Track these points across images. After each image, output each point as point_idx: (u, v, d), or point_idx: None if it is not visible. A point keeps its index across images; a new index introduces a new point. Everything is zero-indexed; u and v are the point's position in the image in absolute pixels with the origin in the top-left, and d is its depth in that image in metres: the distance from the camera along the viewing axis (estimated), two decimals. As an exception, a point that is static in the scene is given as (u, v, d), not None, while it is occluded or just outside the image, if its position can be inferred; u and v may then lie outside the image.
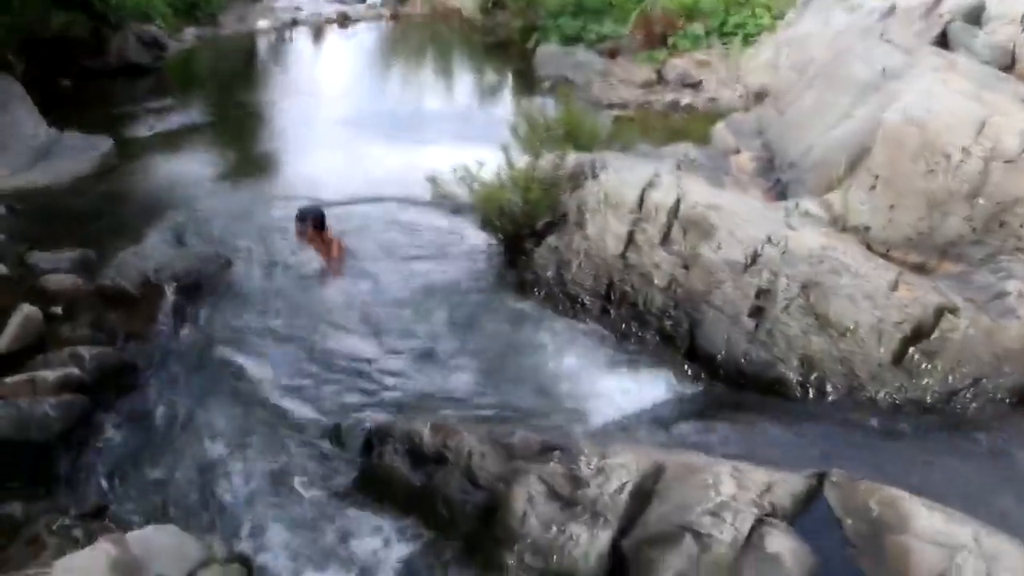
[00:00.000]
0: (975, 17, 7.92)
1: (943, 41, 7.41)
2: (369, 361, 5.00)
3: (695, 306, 5.12)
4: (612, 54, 14.82)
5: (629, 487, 3.33)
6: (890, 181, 5.81)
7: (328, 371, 4.86)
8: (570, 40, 15.75)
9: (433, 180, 6.54)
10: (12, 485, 3.90)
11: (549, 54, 14.60)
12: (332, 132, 10.68)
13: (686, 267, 5.29)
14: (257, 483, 3.83)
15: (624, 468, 3.38)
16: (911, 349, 4.48)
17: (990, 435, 4.12)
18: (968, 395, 4.35)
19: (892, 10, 8.82)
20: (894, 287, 4.66)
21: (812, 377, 4.60)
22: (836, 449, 3.93)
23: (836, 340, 4.60)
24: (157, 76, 13.66)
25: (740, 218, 5.32)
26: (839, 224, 5.94)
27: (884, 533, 2.97)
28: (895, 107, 6.03)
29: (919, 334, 4.49)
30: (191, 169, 8.91)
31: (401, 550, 3.47)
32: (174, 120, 10.91)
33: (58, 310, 5.32)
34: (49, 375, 4.36)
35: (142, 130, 10.41)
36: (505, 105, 12.79)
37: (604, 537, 3.22)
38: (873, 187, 6.00)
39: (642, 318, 5.35)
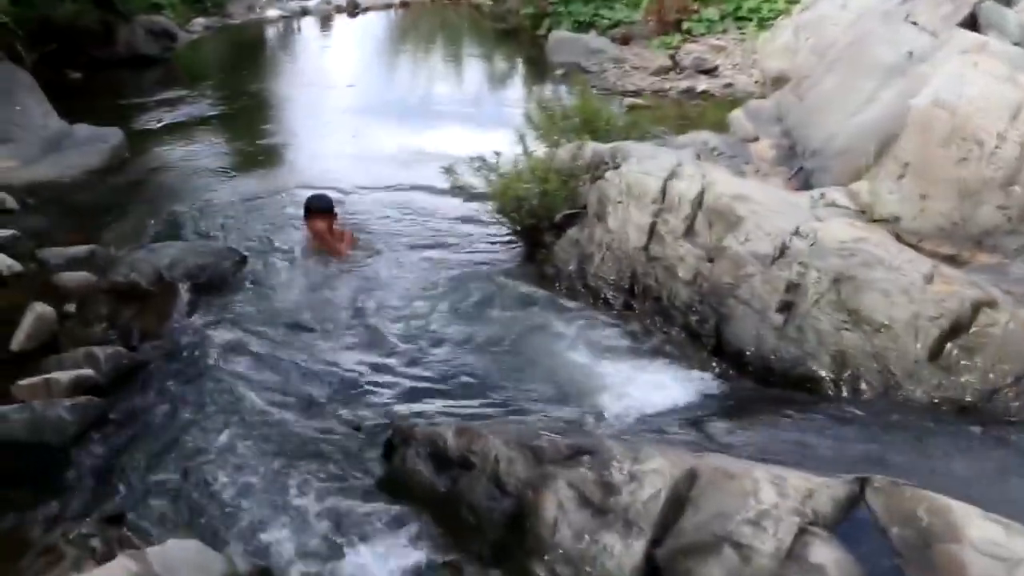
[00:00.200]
0: (1006, -3, 7.74)
1: (971, 22, 7.21)
2: (388, 358, 4.89)
3: (721, 300, 4.98)
4: (625, 40, 14.69)
5: (663, 494, 3.21)
6: (920, 169, 5.66)
7: (347, 369, 4.75)
8: (582, 26, 15.65)
9: (449, 171, 6.42)
10: (27, 490, 3.81)
11: (561, 40, 14.45)
12: (344, 121, 10.59)
13: (711, 260, 5.15)
14: (277, 489, 3.71)
15: (657, 474, 3.25)
16: (948, 345, 4.33)
17: (1035, 436, 3.99)
18: (1010, 393, 4.20)
19: (916, -9, 8.64)
20: (929, 280, 4.51)
21: (845, 375, 4.47)
22: (873, 450, 3.79)
23: (870, 336, 4.45)
24: (166, 67, 13.59)
25: (767, 209, 5.18)
26: (867, 214, 5.79)
27: (934, 543, 2.84)
28: (924, 91, 5.87)
29: (957, 329, 4.34)
30: (203, 161, 8.83)
31: (426, 560, 3.36)
32: (184, 111, 10.83)
33: (71, 308, 5.24)
34: (63, 376, 4.27)
35: (152, 122, 10.33)
36: (518, 93, 12.67)
37: (638, 547, 3.10)
38: (902, 175, 5.86)
39: (666, 313, 5.22)
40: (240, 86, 12.47)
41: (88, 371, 4.35)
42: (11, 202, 7.22)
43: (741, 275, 4.95)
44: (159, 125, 10.23)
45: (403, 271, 6.04)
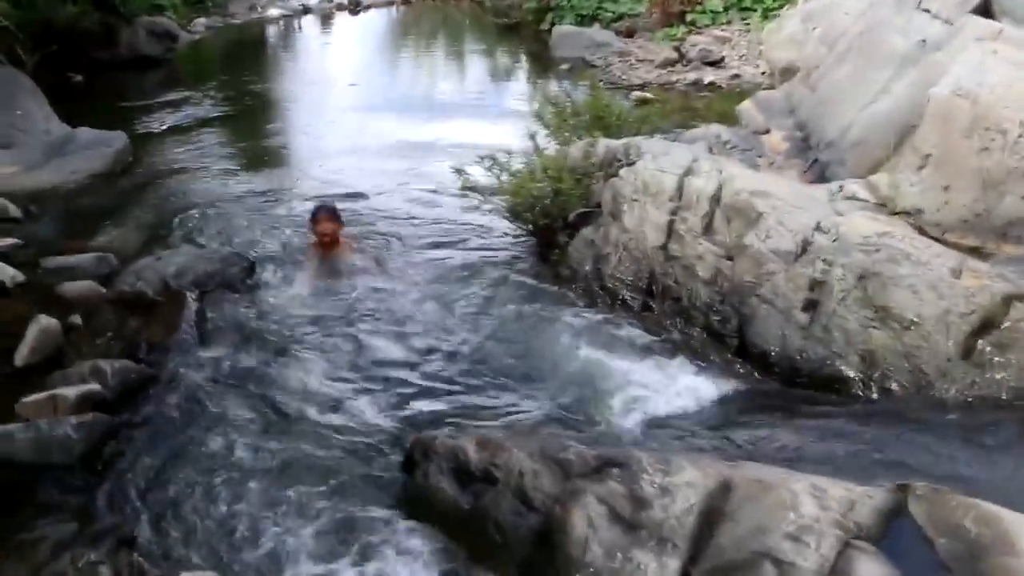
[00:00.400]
0: (1020, -18, 7.57)
1: (984, 9, 7.06)
2: (403, 367, 4.77)
3: (743, 300, 4.85)
4: (629, 33, 14.55)
5: (696, 507, 3.08)
6: (942, 160, 5.52)
7: (361, 379, 4.62)
8: (585, 20, 15.53)
9: (460, 171, 6.29)
10: (34, 513, 3.68)
11: (565, 35, 14.31)
12: (348, 120, 10.49)
13: (730, 258, 5.02)
14: (294, 510, 3.59)
15: (690, 486, 3.13)
16: (980, 342, 4.18)
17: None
18: (1047, 390, 4.07)
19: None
20: (958, 275, 4.37)
21: (874, 374, 4.33)
22: (910, 454, 3.66)
23: (899, 334, 4.32)
24: (169, 68, 13.48)
25: (787, 204, 5.04)
26: (888, 207, 5.66)
27: (985, 556, 2.71)
28: (943, 80, 5.72)
29: (988, 325, 4.20)
30: (207, 164, 8.72)
31: (452, 580, 3.24)
32: (188, 113, 10.72)
33: (77, 320, 5.11)
34: (70, 392, 4.14)
35: (156, 125, 10.22)
36: (524, 89, 12.53)
37: (673, 565, 2.97)
38: (922, 166, 5.71)
39: (687, 313, 5.09)
40: (243, 86, 12.35)
41: (95, 386, 4.23)
42: (14, 209, 7.12)
43: (763, 273, 4.81)
44: (162, 128, 10.11)
45: (413, 274, 5.92)
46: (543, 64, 13.70)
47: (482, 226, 6.71)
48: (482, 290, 5.64)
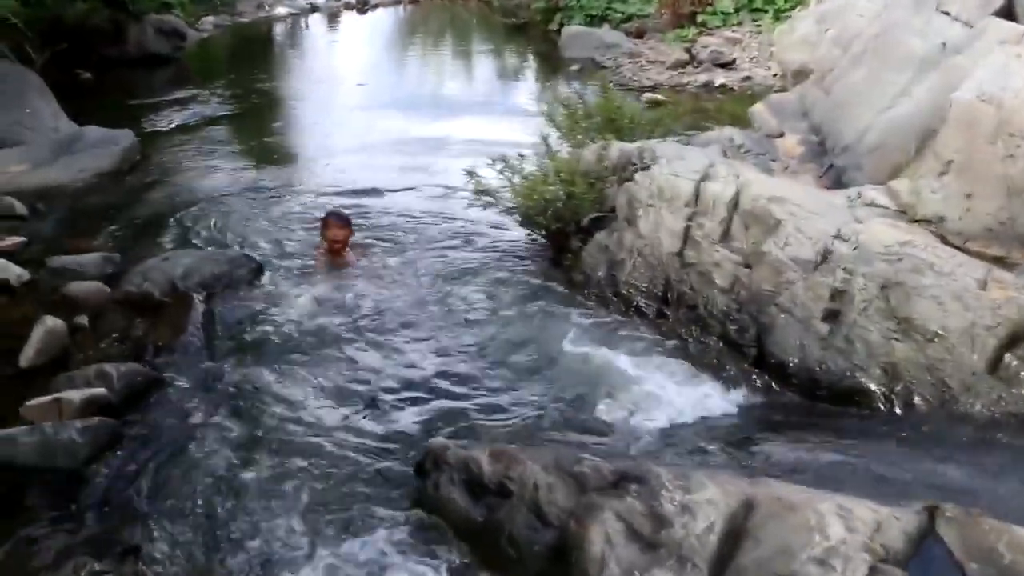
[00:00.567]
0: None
1: (1007, 11, 6.95)
2: (412, 373, 4.68)
3: (761, 309, 4.75)
4: (639, 34, 14.47)
5: (718, 526, 2.99)
6: (964, 166, 5.41)
7: (371, 386, 4.53)
8: (594, 20, 15.46)
9: (471, 174, 6.19)
10: (37, 518, 3.60)
11: (574, 35, 14.23)
12: (357, 120, 10.41)
13: (748, 266, 4.92)
14: (301, 519, 3.51)
15: (711, 505, 3.03)
16: (1007, 356, 4.08)
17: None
18: (1078, 407, 3.97)
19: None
20: (984, 286, 4.27)
21: (897, 388, 4.23)
22: (935, 472, 3.56)
23: (923, 346, 4.22)
24: (177, 66, 13.42)
25: (806, 210, 4.94)
26: (908, 214, 5.55)
27: (1020, 583, 2.62)
28: (966, 85, 5.62)
29: (1016, 338, 4.10)
30: (215, 163, 8.64)
31: (464, 596, 3.15)
32: (196, 112, 10.65)
33: (83, 321, 5.04)
34: (75, 396, 4.06)
35: (164, 123, 10.14)
36: (534, 90, 12.44)
37: (695, 586, 2.88)
38: (943, 173, 5.61)
39: (703, 322, 4.99)
40: (251, 85, 12.27)
41: (100, 389, 4.15)
42: (20, 207, 7.05)
43: (782, 282, 4.71)
44: (171, 126, 10.03)
45: (423, 279, 5.81)
46: (552, 64, 13.60)
47: (492, 228, 6.62)
48: (493, 296, 5.54)
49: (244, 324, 5.08)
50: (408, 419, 4.24)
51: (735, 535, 2.99)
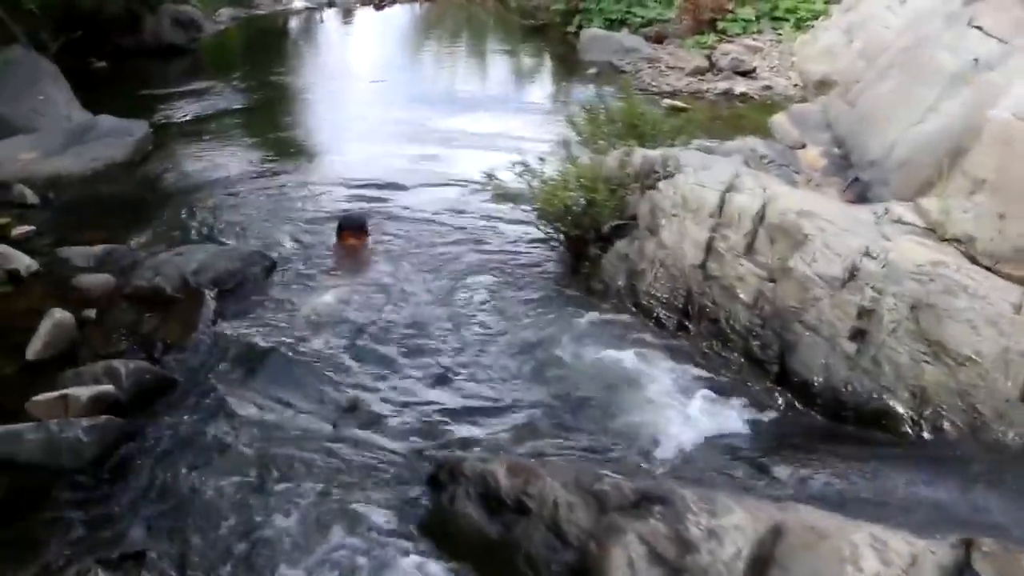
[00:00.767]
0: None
1: (1043, 28, 6.81)
2: (428, 380, 4.57)
3: (786, 325, 4.63)
4: (658, 39, 14.32)
5: (745, 553, 2.88)
6: (998, 186, 5.27)
7: (385, 391, 4.43)
8: (613, 24, 15.30)
9: (491, 177, 6.08)
10: (40, 519, 3.51)
11: (593, 38, 14.08)
12: (374, 116, 10.27)
13: (773, 281, 4.80)
14: (311, 528, 3.41)
15: (739, 531, 2.93)
16: (1041, 383, 3.97)
17: None
18: (1114, 438, 3.85)
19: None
20: (1019, 310, 4.15)
21: (925, 412, 4.11)
22: (968, 503, 3.45)
23: (954, 370, 4.10)
24: (192, 57, 13.33)
25: (835, 226, 4.82)
26: (938, 233, 5.42)
27: (1064, 627, 2.51)
28: (1003, 102, 5.48)
29: (1050, 366, 3.98)
30: (230, 156, 8.53)
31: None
32: (211, 103, 10.54)
33: (91, 314, 4.95)
34: (82, 393, 3.97)
35: (178, 114, 10.03)
36: (554, 92, 12.32)
37: (722, 616, 2.77)
38: (974, 192, 5.47)
39: (724, 336, 4.87)
40: (266, 78, 12.17)
41: (108, 387, 4.06)
42: (31, 196, 6.98)
43: (808, 298, 4.59)
44: (184, 117, 9.92)
45: (438, 282, 5.70)
46: (570, 67, 13.46)
47: (509, 230, 6.51)
48: (509, 302, 5.43)
49: (256, 324, 4.97)
50: (421, 428, 4.13)
51: (763, 563, 2.88)
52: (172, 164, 8.27)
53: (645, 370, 4.70)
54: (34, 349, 4.53)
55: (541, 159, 5.98)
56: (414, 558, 3.26)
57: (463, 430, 4.12)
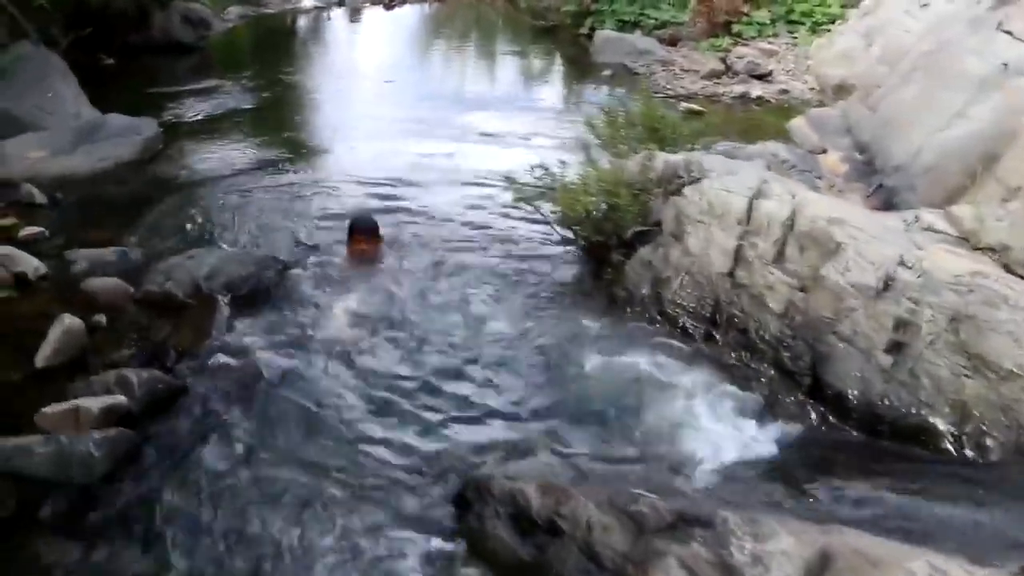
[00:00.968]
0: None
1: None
2: (447, 389, 4.43)
3: (818, 336, 4.49)
4: (672, 41, 14.18)
5: (793, 581, 2.73)
6: (1033, 194, 5.15)
7: (404, 403, 4.28)
8: (626, 26, 15.16)
9: (511, 181, 5.94)
10: (51, 536, 3.38)
11: (607, 40, 13.94)
12: (385, 116, 10.12)
13: (803, 290, 4.66)
14: (327, 547, 3.27)
15: (785, 556, 2.78)
16: (1088, 400, 3.82)
17: None
18: None
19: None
20: (1062, 323, 4.00)
21: (967, 428, 3.96)
22: (1017, 524, 3.30)
23: (996, 385, 3.95)
24: (201, 55, 13.18)
25: (868, 234, 4.67)
26: (971, 241, 5.27)
27: None
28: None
29: (1097, 381, 3.83)
30: (240, 155, 8.39)
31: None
32: (220, 102, 10.40)
33: (101, 320, 4.80)
34: (93, 404, 3.82)
35: (187, 112, 9.88)
36: (569, 95, 12.18)
37: (770, 649, 2.63)
38: (1007, 199, 5.34)
39: (753, 347, 4.73)
40: (276, 77, 12.02)
41: (120, 398, 3.91)
42: (39, 196, 6.82)
43: (841, 309, 4.45)
44: (194, 116, 9.78)
45: (455, 289, 5.55)
46: (584, 69, 13.31)
47: (527, 234, 6.36)
48: (529, 310, 5.29)
49: (271, 333, 4.82)
50: (443, 443, 3.99)
51: (812, 592, 2.74)
52: (182, 163, 8.12)
53: (672, 381, 4.57)
54: (43, 356, 4.38)
55: (562, 163, 5.83)
56: (442, 581, 3.11)
57: (486, 445, 3.98)
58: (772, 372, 4.61)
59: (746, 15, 14.23)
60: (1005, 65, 6.46)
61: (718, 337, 4.88)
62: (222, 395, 4.19)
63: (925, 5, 9.39)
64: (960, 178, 5.99)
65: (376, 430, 4.03)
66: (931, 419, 4.04)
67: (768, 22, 14.18)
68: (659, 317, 5.10)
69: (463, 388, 4.45)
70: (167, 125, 8.99)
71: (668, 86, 11.71)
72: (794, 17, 14.25)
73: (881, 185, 6.92)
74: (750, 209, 4.98)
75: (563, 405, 4.34)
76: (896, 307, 4.29)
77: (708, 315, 4.94)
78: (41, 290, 5.18)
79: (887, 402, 4.17)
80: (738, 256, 4.91)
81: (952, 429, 3.98)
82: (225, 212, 6.77)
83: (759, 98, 11.27)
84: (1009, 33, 6.83)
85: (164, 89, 10.81)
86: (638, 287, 5.28)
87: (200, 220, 6.58)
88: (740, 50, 13.06)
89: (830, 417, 4.32)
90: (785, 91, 11.49)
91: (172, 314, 4.88)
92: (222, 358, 4.49)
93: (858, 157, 7.85)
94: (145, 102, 9.71)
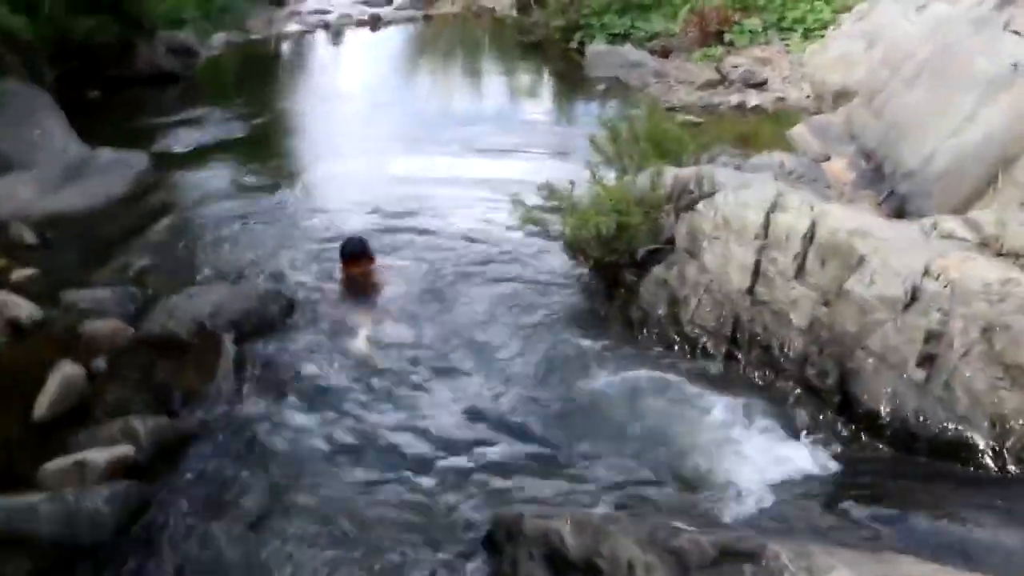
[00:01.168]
0: None
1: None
2: (467, 425, 4.28)
3: (846, 352, 4.34)
4: (664, 53, 14.10)
5: (852, 621, 2.57)
6: (1055, 197, 5.02)
7: (419, 441, 4.11)
8: (616, 39, 15.08)
9: (517, 202, 5.78)
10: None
11: (599, 54, 13.84)
12: (378, 142, 9.95)
13: (826, 304, 4.52)
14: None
15: (843, 594, 2.62)
16: None
17: None
18: None
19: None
20: (1100, 331, 3.86)
21: (1008, 442, 3.80)
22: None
23: (1036, 397, 3.81)
24: (188, 84, 13.02)
25: (891, 245, 4.53)
26: (992, 247, 5.13)
27: None
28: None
29: None
30: (232, 186, 8.27)
31: None
32: (210, 132, 10.24)
33: (101, 364, 4.62)
34: (99, 457, 3.64)
35: (177, 144, 9.71)
36: (566, 108, 12.07)
37: None
38: (1024, 203, 5.22)
39: (777, 365, 4.58)
40: (265, 104, 11.88)
41: (127, 448, 3.74)
42: (30, 236, 6.65)
43: (869, 323, 4.30)
44: (185, 148, 9.60)
45: (463, 315, 5.40)
46: (577, 83, 13.20)
47: (533, 257, 6.21)
48: (542, 335, 5.13)
49: (279, 369, 4.66)
50: (466, 479, 3.82)
51: (873, 632, 2.58)
52: (174, 197, 7.96)
53: (696, 404, 4.42)
54: (42, 406, 4.19)
55: (571, 182, 5.68)
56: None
57: (512, 480, 3.82)
58: (799, 391, 4.47)
59: (737, 23, 14.15)
60: (1015, 65, 6.35)
61: (740, 356, 4.73)
62: (231, 440, 4.02)
63: (922, 7, 9.31)
64: (976, 182, 5.87)
65: (391, 474, 3.85)
66: (969, 434, 3.89)
67: (760, 29, 14.10)
68: (677, 338, 4.95)
69: (479, 420, 4.29)
70: (157, 157, 8.81)
71: (664, 98, 11.55)
72: (786, 24, 14.19)
73: (892, 192, 6.79)
74: (767, 223, 4.84)
75: (584, 434, 4.18)
76: (925, 319, 4.15)
77: (728, 334, 4.80)
78: (37, 336, 4.99)
79: (922, 418, 4.01)
80: (757, 272, 4.77)
81: (992, 444, 3.83)
82: (222, 244, 6.61)
83: (756, 107, 11.17)
84: (1017, 33, 6.73)
85: (152, 120, 10.65)
86: (654, 307, 5.13)
87: (197, 254, 6.42)
88: (733, 59, 12.95)
89: (862, 435, 4.17)
90: (782, 99, 11.40)
91: (175, 355, 4.70)
92: (230, 400, 4.32)
93: (863, 164, 7.73)
94: (134, 134, 9.56)
